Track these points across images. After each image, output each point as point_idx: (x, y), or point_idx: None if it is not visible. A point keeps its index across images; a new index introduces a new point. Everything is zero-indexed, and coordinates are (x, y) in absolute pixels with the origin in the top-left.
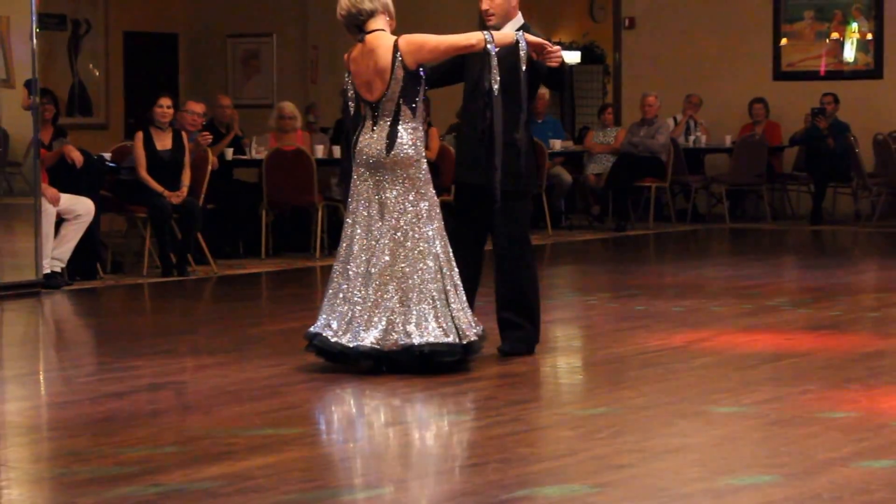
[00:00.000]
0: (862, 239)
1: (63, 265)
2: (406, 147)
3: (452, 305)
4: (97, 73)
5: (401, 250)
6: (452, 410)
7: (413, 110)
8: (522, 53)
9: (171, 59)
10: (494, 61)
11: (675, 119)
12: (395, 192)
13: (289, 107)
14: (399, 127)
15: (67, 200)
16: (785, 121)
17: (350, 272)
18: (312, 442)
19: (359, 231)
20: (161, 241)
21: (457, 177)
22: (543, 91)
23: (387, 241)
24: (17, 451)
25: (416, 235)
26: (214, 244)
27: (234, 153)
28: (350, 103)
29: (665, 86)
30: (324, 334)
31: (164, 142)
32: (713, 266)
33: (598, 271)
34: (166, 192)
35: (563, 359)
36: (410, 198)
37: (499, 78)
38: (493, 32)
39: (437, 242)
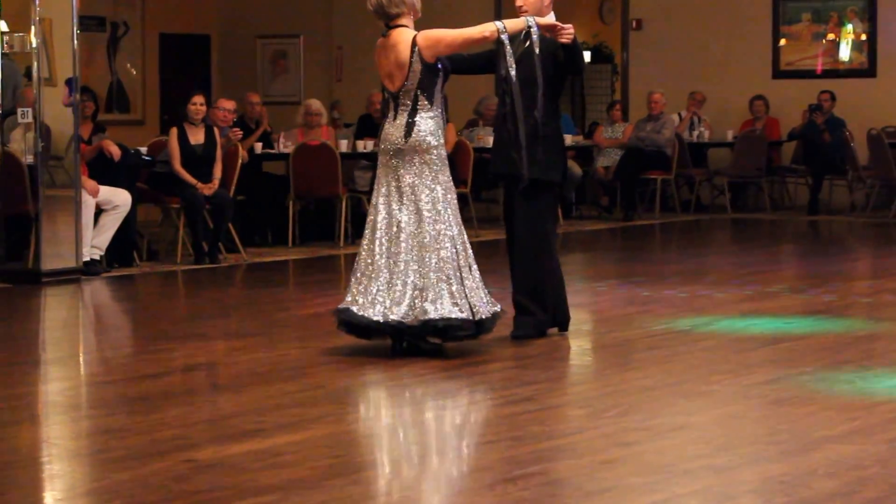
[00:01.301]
0: (856, 228)
1: (102, 253)
2: (423, 134)
3: (467, 283)
4: (134, 72)
5: (420, 231)
6: (468, 390)
7: (430, 100)
8: (535, 37)
9: (204, 59)
10: (509, 49)
11: (679, 115)
12: (412, 177)
13: (315, 104)
14: (417, 116)
15: (106, 192)
16: (784, 117)
17: (375, 252)
18: (337, 420)
19: (382, 214)
20: (194, 231)
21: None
22: None
23: (407, 224)
24: (58, 428)
25: (434, 217)
26: (244, 233)
27: (263, 147)
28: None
29: (670, 84)
30: (351, 309)
31: (197, 137)
32: (715, 254)
33: (607, 259)
34: (199, 185)
35: (573, 341)
36: (427, 182)
37: (514, 64)
38: (505, 21)
39: (453, 224)
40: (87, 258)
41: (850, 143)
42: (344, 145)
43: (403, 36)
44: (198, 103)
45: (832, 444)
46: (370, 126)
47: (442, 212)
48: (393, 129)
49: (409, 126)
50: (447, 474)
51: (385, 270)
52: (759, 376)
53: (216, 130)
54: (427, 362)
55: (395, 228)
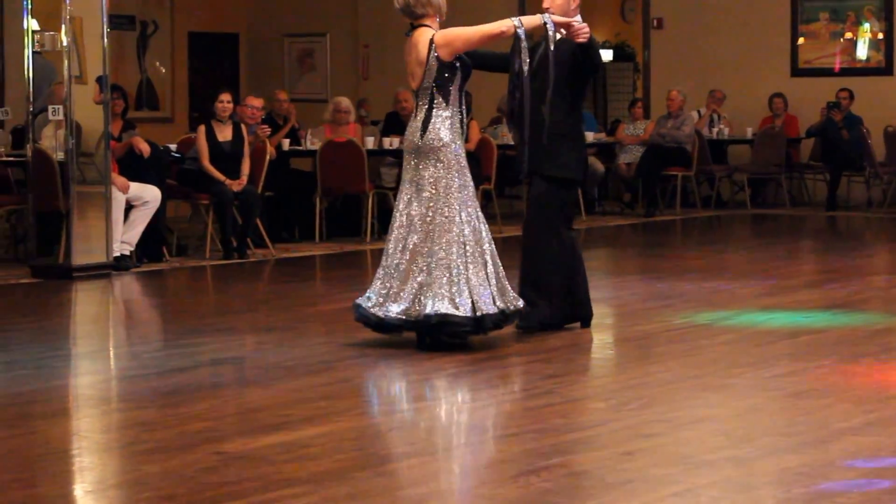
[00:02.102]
0: (874, 224)
1: (132, 248)
2: (438, 132)
3: (472, 279)
4: (163, 70)
5: (429, 228)
6: (492, 383)
7: (446, 99)
8: (550, 34)
9: (232, 57)
10: (524, 44)
11: (699, 112)
12: (427, 174)
13: (345, 101)
14: (433, 114)
15: (136, 188)
16: (802, 114)
17: (390, 248)
18: (363, 413)
19: (400, 209)
20: (222, 227)
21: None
22: None
23: (419, 220)
24: (89, 421)
25: (443, 215)
26: (272, 229)
27: (291, 144)
28: None
29: (691, 81)
30: (363, 305)
31: (224, 134)
32: (735, 249)
33: (629, 254)
34: (227, 181)
35: (595, 335)
36: (442, 179)
37: (528, 60)
38: (521, 18)
39: (465, 223)
40: (117, 253)
41: (868, 140)
42: (370, 142)
43: (423, 35)
44: (224, 101)
45: (850, 436)
46: (397, 123)
47: (452, 210)
48: (412, 127)
49: (425, 124)
50: (471, 466)
51: (396, 268)
52: (779, 369)
53: (243, 128)
54: (451, 356)
55: (409, 223)
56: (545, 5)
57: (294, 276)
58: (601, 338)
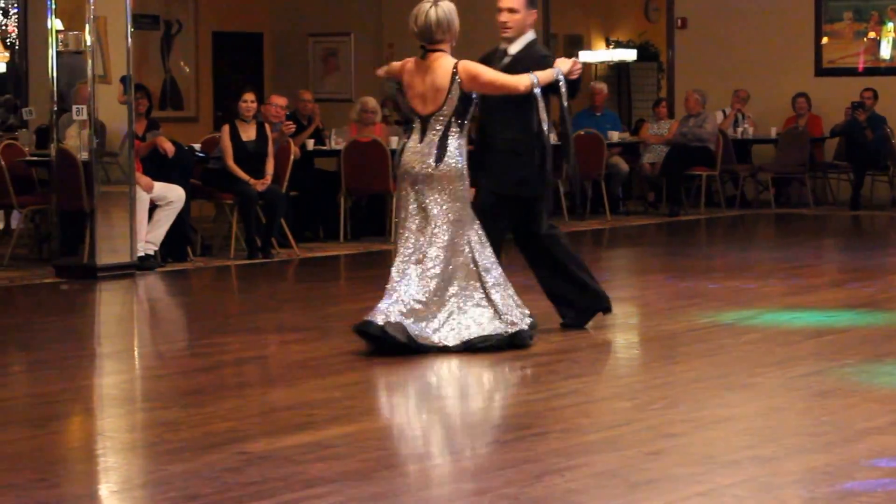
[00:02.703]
0: None
1: (156, 248)
2: (452, 160)
3: (467, 307)
4: (187, 70)
5: (441, 255)
6: (516, 383)
7: (462, 127)
8: (563, 91)
9: (256, 57)
10: (542, 103)
11: (724, 112)
12: (438, 203)
13: (371, 101)
14: (448, 140)
15: (160, 188)
16: (826, 113)
17: (398, 272)
18: (387, 413)
19: (408, 237)
20: (247, 226)
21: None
22: (602, 86)
23: (432, 248)
24: (113, 421)
25: (456, 242)
26: (296, 228)
27: (315, 144)
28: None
29: (715, 81)
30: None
31: (248, 133)
32: (759, 249)
33: (653, 254)
34: (251, 180)
35: (619, 335)
36: (453, 207)
37: (546, 117)
38: (537, 74)
39: (475, 247)
40: (141, 253)
41: (892, 139)
42: (395, 142)
43: (444, 62)
44: (248, 100)
45: (874, 436)
46: None
47: (463, 237)
48: (418, 153)
49: (441, 152)
50: (495, 466)
51: (416, 293)
52: (803, 369)
53: (268, 127)
54: (476, 357)
55: (420, 251)
56: (502, 19)
57: (318, 276)
58: (625, 337)
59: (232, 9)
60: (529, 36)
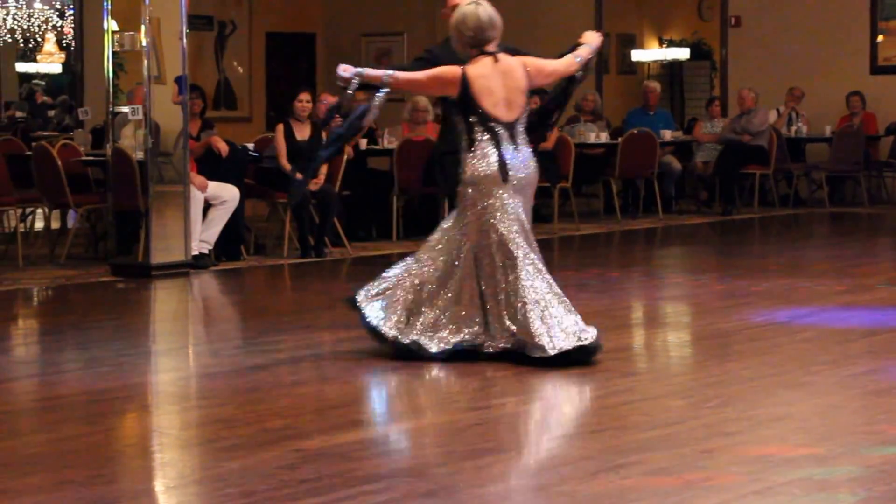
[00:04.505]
0: None
1: (210, 247)
2: (534, 163)
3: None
4: (241, 70)
5: (528, 261)
6: (570, 381)
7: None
8: (592, 64)
9: (309, 57)
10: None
11: (778, 111)
12: (527, 208)
13: (422, 100)
14: (527, 145)
15: (214, 187)
16: (881, 111)
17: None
18: (441, 410)
19: (516, 241)
20: (300, 225)
21: None
22: (655, 85)
23: (523, 256)
24: (169, 418)
25: (533, 247)
26: (349, 228)
27: (368, 144)
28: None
29: (768, 79)
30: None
31: (303, 133)
32: (813, 247)
33: (706, 252)
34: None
35: (673, 333)
36: (529, 212)
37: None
38: (579, 53)
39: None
40: (195, 252)
41: None
42: None
43: (512, 61)
44: (304, 100)
45: None
46: None
47: (533, 241)
48: (520, 160)
49: (532, 155)
50: (550, 463)
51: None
52: (858, 367)
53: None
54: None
55: (511, 263)
56: (453, 1)
57: (371, 275)
58: (679, 336)
59: (285, 9)
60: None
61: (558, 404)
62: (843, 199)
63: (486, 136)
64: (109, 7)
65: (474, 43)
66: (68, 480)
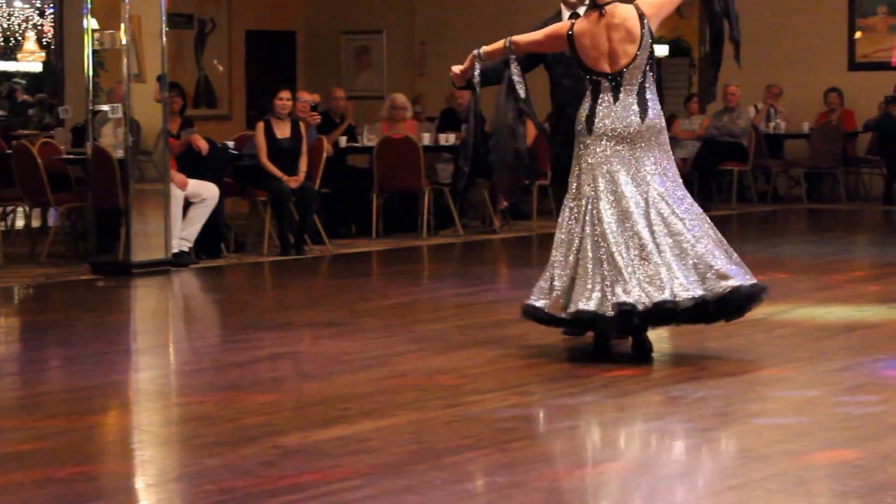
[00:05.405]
0: None
1: (190, 245)
2: (653, 113)
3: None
4: (221, 68)
5: (663, 215)
6: (547, 378)
7: (654, 75)
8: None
9: (289, 55)
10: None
11: (756, 107)
12: (651, 160)
13: (401, 98)
14: (646, 94)
15: (194, 185)
16: (860, 108)
17: (603, 243)
18: (420, 407)
19: (603, 204)
20: (280, 223)
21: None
22: None
23: (649, 210)
24: (149, 415)
25: (678, 199)
26: (329, 225)
27: (347, 141)
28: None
29: (747, 76)
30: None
31: (283, 131)
32: (791, 244)
33: None
34: (285, 177)
35: (651, 330)
36: (665, 164)
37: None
38: None
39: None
40: (175, 250)
41: None
42: (426, 138)
43: (628, 11)
44: (284, 98)
45: None
46: (452, 120)
47: (681, 192)
48: (617, 114)
49: (643, 105)
50: (528, 459)
51: (623, 257)
52: (835, 363)
53: (302, 125)
54: (492, 346)
55: (632, 215)
56: None
57: (351, 272)
58: (656, 332)
59: (265, 7)
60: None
61: (535, 401)
62: (821, 196)
63: (590, 88)
64: (89, 5)
65: None
66: (49, 478)
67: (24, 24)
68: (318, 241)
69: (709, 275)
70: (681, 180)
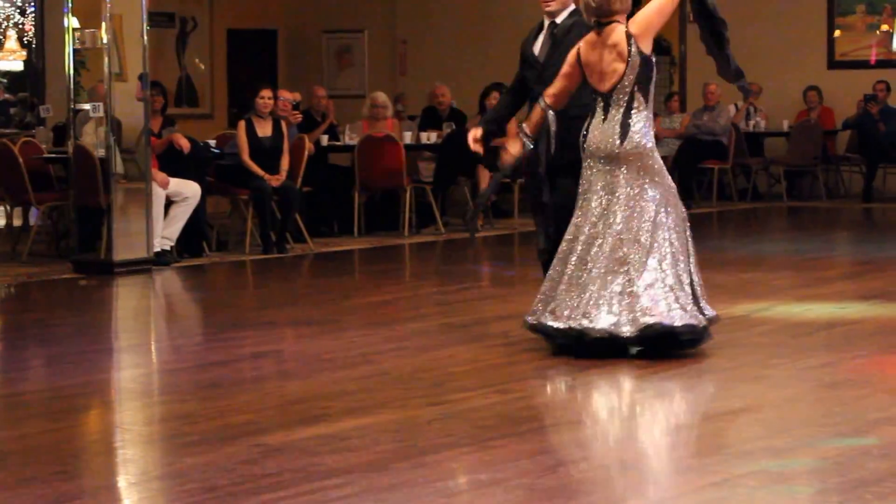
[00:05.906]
0: None
1: (172, 244)
2: (637, 136)
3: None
4: (202, 67)
5: (631, 238)
6: (526, 376)
7: (646, 97)
8: None
9: (270, 54)
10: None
11: (736, 105)
12: (628, 183)
13: (381, 96)
14: (631, 116)
15: (176, 184)
16: (839, 106)
17: (574, 259)
18: (402, 405)
19: (589, 220)
20: (262, 221)
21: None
22: None
23: (619, 231)
24: (131, 414)
25: (648, 225)
26: (311, 224)
27: (329, 140)
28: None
29: None
30: (545, 321)
31: (264, 129)
32: (771, 241)
33: None
34: (267, 176)
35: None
36: (645, 188)
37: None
38: None
39: (671, 231)
40: (157, 249)
41: None
42: (408, 137)
43: (617, 31)
44: (266, 97)
45: (886, 426)
46: (434, 118)
47: (658, 218)
48: (604, 133)
49: (624, 128)
50: (511, 457)
51: (589, 277)
52: (815, 360)
53: (283, 123)
54: (466, 345)
55: (605, 234)
56: None
57: (333, 271)
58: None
59: (246, 6)
60: (572, 6)
61: (516, 399)
62: (800, 194)
63: (592, 106)
64: (70, 4)
65: (595, 14)
66: (31, 477)
67: (5, 23)
68: (300, 240)
69: (628, 311)
70: (666, 209)
